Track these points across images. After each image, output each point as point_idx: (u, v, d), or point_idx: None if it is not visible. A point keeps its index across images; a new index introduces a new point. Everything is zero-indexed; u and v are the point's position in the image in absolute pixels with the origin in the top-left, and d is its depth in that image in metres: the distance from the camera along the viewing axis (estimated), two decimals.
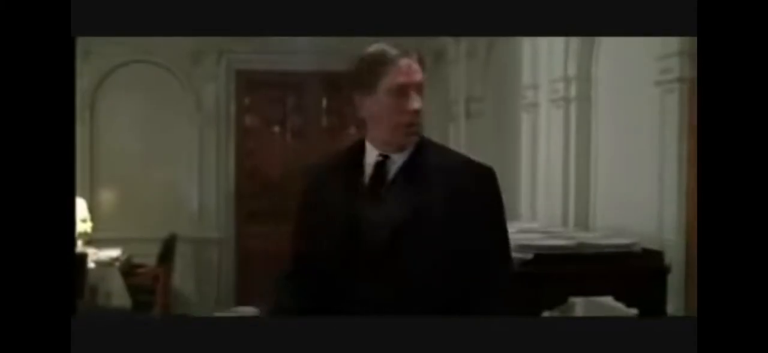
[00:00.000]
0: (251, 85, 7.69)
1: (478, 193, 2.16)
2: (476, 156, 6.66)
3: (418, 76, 2.13)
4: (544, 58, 4.99)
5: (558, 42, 4.77)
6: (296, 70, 7.50)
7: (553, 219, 4.78)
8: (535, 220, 5.07)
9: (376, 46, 2.18)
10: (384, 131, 2.13)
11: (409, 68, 2.11)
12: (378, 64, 2.13)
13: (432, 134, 6.92)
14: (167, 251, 6.46)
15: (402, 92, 2.10)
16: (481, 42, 6.28)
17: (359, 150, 2.20)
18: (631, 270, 3.59)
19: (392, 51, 2.14)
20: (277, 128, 7.95)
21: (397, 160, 2.16)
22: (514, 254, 3.55)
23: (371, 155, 2.16)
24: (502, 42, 5.93)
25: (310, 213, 2.22)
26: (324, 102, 7.89)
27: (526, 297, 3.47)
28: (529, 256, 3.47)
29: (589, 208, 4.58)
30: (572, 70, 4.64)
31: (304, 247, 2.22)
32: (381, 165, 2.16)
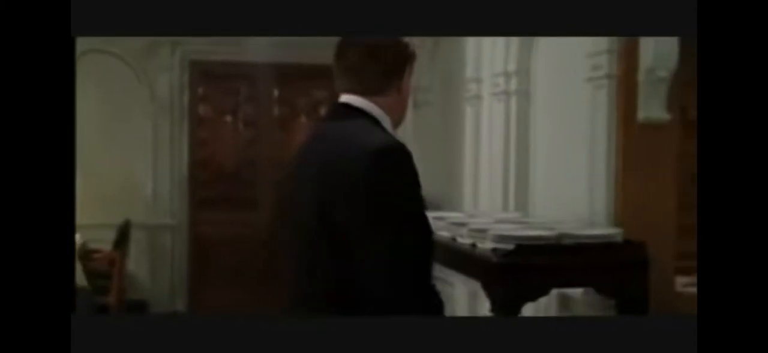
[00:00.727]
0: (205, 76, 7.82)
1: None
2: (424, 145, 6.83)
3: None
4: (487, 53, 5.20)
5: (500, 38, 5.00)
6: (249, 61, 7.65)
7: (494, 208, 5.02)
8: (476, 208, 5.32)
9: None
10: (398, 120, 2.23)
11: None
12: (407, 56, 2.22)
13: None
14: (122, 236, 6.59)
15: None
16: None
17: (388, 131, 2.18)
18: (612, 261, 3.55)
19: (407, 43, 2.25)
20: (229, 118, 8.08)
21: None
22: (495, 245, 3.44)
23: None
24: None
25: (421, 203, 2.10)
26: (275, 93, 8.05)
27: (509, 289, 3.40)
28: (511, 246, 3.39)
29: (527, 197, 4.82)
30: (512, 66, 4.87)
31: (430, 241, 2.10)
32: None
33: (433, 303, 2.02)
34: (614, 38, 3.80)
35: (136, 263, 7.21)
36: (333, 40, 2.29)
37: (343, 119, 2.16)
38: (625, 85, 3.80)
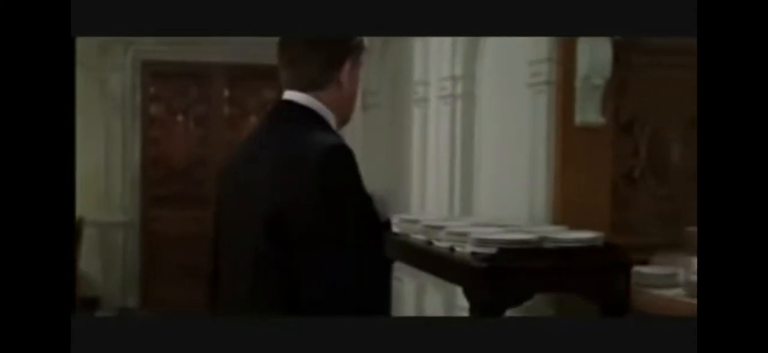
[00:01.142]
0: (156, 76, 7.94)
1: None
2: (373, 145, 6.94)
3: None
4: (434, 57, 5.39)
5: (446, 43, 5.18)
6: (200, 61, 7.79)
7: (440, 209, 5.22)
8: (423, 206, 5.52)
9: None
10: (346, 113, 2.31)
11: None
12: (359, 44, 2.31)
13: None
14: (75, 233, 6.67)
15: (357, 76, 2.29)
16: (377, 39, 6.64)
17: (332, 130, 2.22)
18: (594, 265, 3.43)
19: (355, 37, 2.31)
20: (180, 117, 8.21)
21: None
22: (476, 249, 3.23)
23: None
24: (397, 39, 6.31)
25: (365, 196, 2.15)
26: (226, 92, 8.19)
27: (491, 293, 3.12)
28: (492, 250, 3.22)
29: (472, 195, 5.03)
30: (458, 70, 5.06)
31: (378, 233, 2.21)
32: None
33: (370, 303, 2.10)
34: (553, 47, 4.01)
35: (88, 260, 7.29)
36: None
37: (286, 118, 2.20)
38: (563, 91, 4.01)
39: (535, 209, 4.21)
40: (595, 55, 3.92)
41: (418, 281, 5.35)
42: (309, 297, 2.00)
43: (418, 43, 5.69)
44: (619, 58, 4.03)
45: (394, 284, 5.44)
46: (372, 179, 7.03)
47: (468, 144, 5.05)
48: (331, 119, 2.22)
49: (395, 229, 3.43)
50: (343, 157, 2.10)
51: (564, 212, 4.06)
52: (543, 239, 3.42)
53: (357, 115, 6.90)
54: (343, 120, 2.31)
